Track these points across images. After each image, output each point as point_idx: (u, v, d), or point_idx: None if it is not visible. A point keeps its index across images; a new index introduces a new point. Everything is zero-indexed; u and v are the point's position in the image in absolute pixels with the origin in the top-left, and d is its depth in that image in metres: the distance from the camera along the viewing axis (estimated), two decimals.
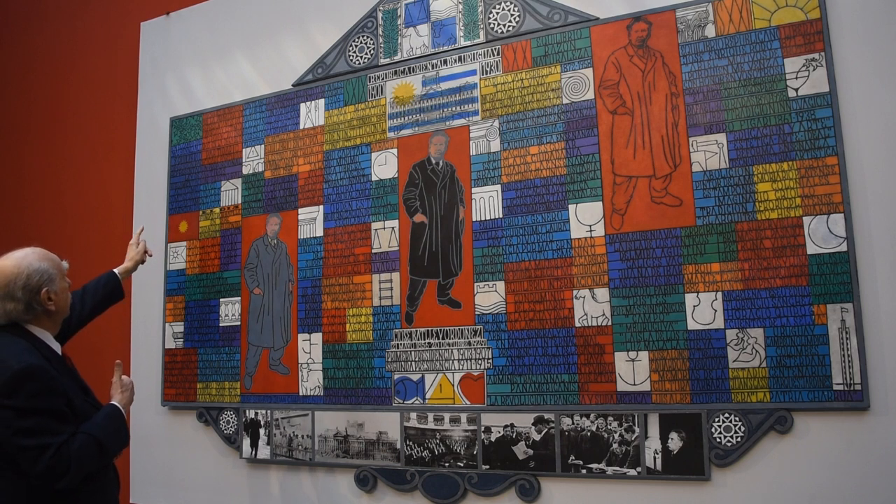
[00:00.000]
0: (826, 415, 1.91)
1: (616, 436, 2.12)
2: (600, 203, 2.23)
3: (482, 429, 2.31)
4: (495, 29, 2.48)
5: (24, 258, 1.79)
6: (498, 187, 2.39)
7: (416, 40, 2.62)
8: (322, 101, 2.76)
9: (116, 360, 1.98)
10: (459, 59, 2.52)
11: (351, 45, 2.74)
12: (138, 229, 2.56)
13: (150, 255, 2.51)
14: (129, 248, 2.50)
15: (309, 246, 2.70)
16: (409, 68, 2.61)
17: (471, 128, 2.46)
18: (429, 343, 2.43)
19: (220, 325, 2.86)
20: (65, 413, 1.72)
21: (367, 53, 2.71)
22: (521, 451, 2.25)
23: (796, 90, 2.02)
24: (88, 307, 2.25)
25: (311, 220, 2.71)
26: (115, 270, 2.38)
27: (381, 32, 2.70)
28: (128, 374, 2.07)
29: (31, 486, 1.70)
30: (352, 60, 2.73)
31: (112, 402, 1.87)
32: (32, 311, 1.79)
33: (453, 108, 2.50)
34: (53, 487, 1.67)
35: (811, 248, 1.96)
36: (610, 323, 2.17)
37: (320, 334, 2.63)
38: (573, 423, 2.18)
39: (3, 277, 1.76)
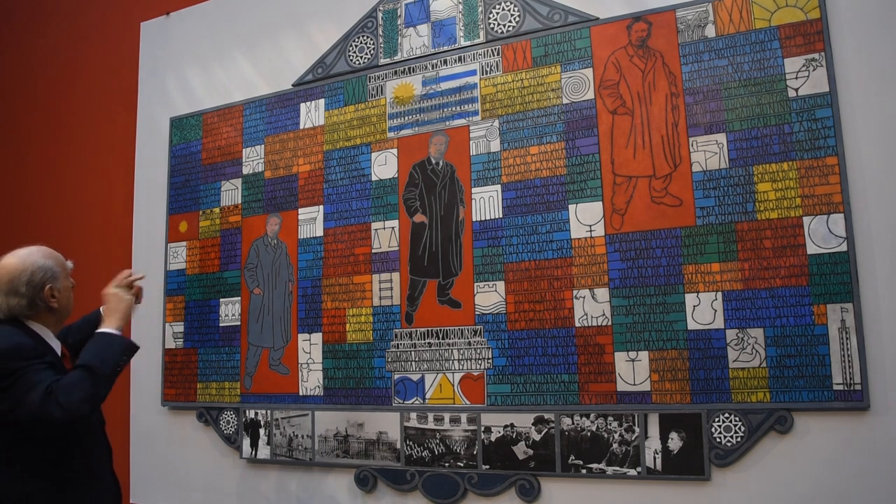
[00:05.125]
0: (826, 415, 1.91)
1: (616, 436, 2.12)
2: (600, 203, 2.23)
3: (482, 429, 2.31)
4: (495, 29, 2.47)
5: (30, 255, 1.83)
6: (498, 187, 2.39)
7: (416, 40, 2.62)
8: (322, 101, 2.76)
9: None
10: (459, 59, 2.52)
11: (351, 45, 2.74)
12: (139, 274, 2.17)
13: (138, 303, 2.07)
14: (118, 278, 2.34)
15: (309, 246, 2.70)
16: (409, 68, 2.61)
17: (471, 128, 2.46)
18: (429, 343, 2.43)
19: (220, 325, 2.86)
20: (52, 364, 1.73)
21: (367, 53, 2.71)
22: (521, 451, 2.25)
23: (796, 90, 2.02)
24: (71, 342, 2.23)
25: (311, 220, 2.71)
26: (101, 309, 2.33)
27: (381, 32, 2.70)
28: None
29: (29, 479, 1.71)
30: (352, 60, 2.73)
31: (97, 331, 1.83)
32: (35, 308, 1.82)
33: (453, 108, 2.50)
34: (55, 424, 1.65)
35: (811, 248, 1.96)
36: (610, 323, 2.17)
37: (320, 334, 2.63)
38: (573, 423, 2.18)
39: (8, 273, 1.79)
